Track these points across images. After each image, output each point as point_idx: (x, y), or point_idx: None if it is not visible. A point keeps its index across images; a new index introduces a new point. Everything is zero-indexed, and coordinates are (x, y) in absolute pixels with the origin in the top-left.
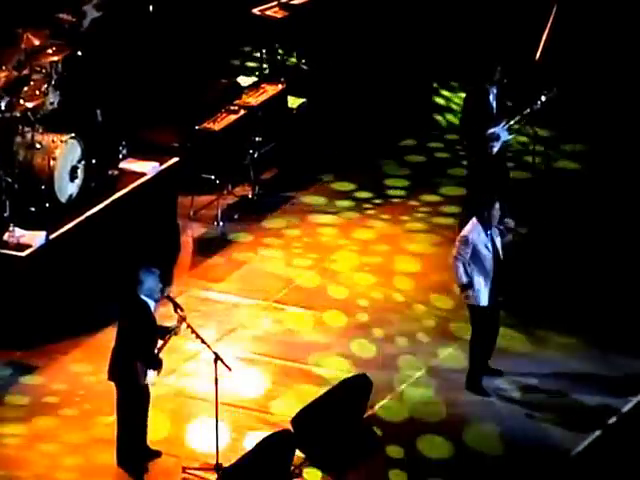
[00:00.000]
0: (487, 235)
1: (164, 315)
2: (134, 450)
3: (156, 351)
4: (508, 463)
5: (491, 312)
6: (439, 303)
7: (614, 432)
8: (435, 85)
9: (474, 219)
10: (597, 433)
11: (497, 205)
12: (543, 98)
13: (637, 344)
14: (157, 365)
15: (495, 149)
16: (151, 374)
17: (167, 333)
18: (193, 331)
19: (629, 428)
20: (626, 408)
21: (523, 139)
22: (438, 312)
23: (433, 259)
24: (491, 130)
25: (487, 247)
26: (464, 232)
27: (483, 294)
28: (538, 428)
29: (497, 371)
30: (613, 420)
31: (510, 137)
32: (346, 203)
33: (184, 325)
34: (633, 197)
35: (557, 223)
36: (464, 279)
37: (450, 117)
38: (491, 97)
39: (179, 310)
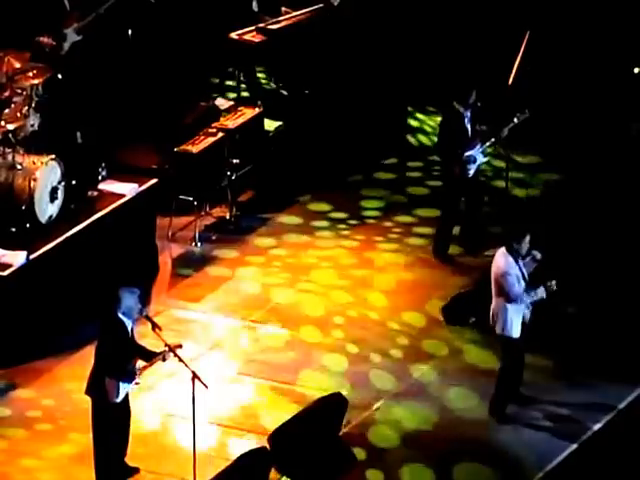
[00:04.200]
0: (519, 266)
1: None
2: (110, 467)
3: (134, 368)
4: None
5: (523, 344)
6: (412, 321)
7: (588, 447)
8: (410, 109)
9: (503, 251)
10: (573, 447)
11: (527, 238)
12: (516, 120)
13: (610, 366)
14: (129, 378)
15: (471, 172)
16: (124, 391)
17: (153, 357)
18: (180, 360)
19: (602, 444)
20: (598, 426)
21: (498, 163)
22: (411, 330)
23: (406, 279)
24: (467, 153)
25: (519, 279)
26: (501, 269)
27: (516, 326)
28: (513, 445)
29: (528, 398)
30: (587, 435)
31: (485, 159)
32: (322, 223)
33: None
34: (606, 220)
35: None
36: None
37: (424, 139)
38: (466, 120)
39: (157, 329)
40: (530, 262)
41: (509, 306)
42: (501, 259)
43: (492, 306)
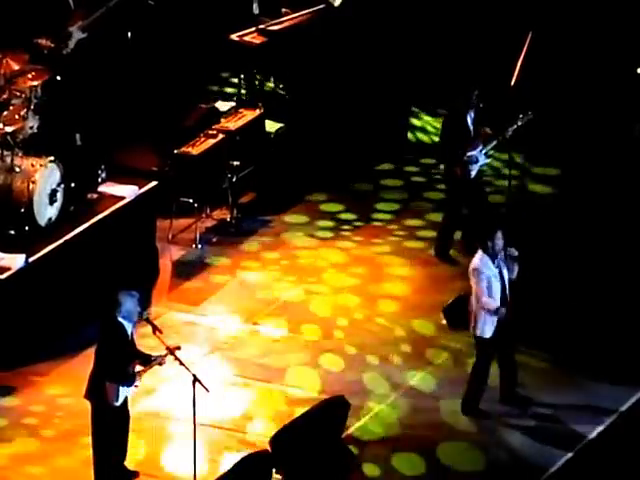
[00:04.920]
0: (495, 266)
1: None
2: (110, 470)
3: (132, 372)
4: None
5: (496, 344)
6: (419, 327)
7: (585, 454)
8: (415, 109)
9: (480, 251)
10: (569, 455)
11: (499, 234)
12: (519, 122)
13: (610, 369)
14: (129, 382)
15: (473, 173)
16: (123, 395)
17: (151, 361)
18: (181, 363)
19: (600, 449)
20: (596, 432)
21: (497, 164)
22: (416, 336)
23: (411, 282)
24: (469, 154)
25: (496, 277)
26: (473, 264)
27: (489, 327)
28: (511, 451)
29: (525, 399)
30: (584, 442)
31: (487, 161)
32: (325, 225)
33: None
34: (607, 221)
35: (532, 247)
36: (493, 303)
37: (424, 137)
38: (469, 121)
39: (158, 332)
40: (510, 261)
41: (481, 305)
42: (476, 258)
43: (470, 307)
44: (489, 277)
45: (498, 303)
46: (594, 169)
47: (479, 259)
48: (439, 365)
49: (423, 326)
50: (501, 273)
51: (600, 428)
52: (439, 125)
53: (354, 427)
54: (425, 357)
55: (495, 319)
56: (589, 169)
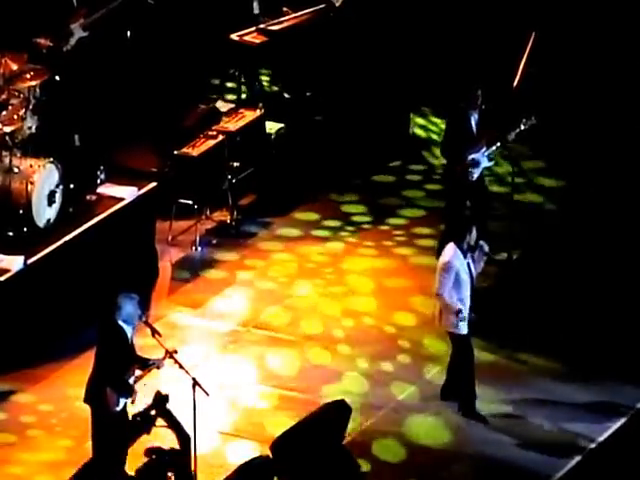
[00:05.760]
0: (465, 260)
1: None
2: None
3: (132, 380)
4: None
5: (468, 337)
6: (415, 327)
7: (594, 458)
8: (411, 114)
9: (452, 244)
10: (577, 459)
11: (474, 230)
12: (522, 127)
13: (619, 368)
14: (127, 393)
15: (475, 175)
16: (123, 401)
17: (149, 365)
18: (181, 366)
19: (609, 454)
20: (606, 435)
21: (500, 170)
22: (413, 335)
23: (413, 280)
24: (471, 156)
25: (466, 272)
26: (446, 258)
27: (463, 323)
28: (519, 453)
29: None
30: (593, 446)
31: (490, 164)
32: (324, 229)
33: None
34: (614, 221)
35: (540, 248)
36: (458, 305)
37: (427, 141)
38: (472, 122)
39: (157, 335)
40: (480, 256)
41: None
42: (449, 251)
43: (436, 303)
44: (458, 271)
45: (464, 301)
46: (599, 171)
47: (452, 252)
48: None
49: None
50: (469, 268)
51: (611, 430)
52: (437, 127)
53: (359, 432)
54: (434, 354)
55: (467, 314)
56: (594, 171)
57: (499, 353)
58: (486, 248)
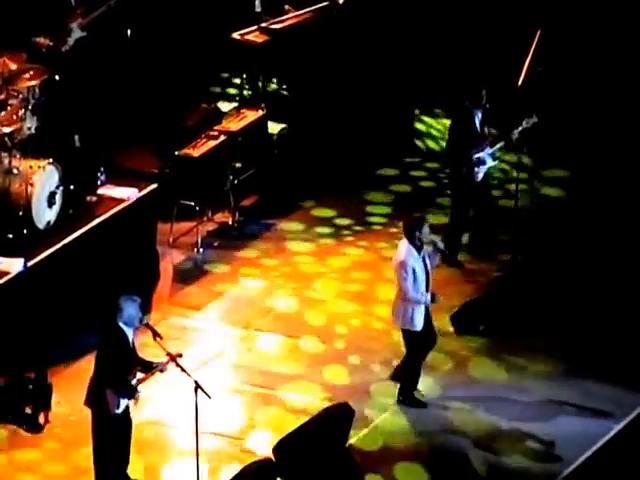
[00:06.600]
0: (420, 257)
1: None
2: (111, 478)
3: (134, 382)
4: None
5: (425, 335)
6: None
7: (596, 459)
8: (417, 112)
9: (405, 242)
10: (577, 462)
11: (427, 225)
12: (525, 125)
13: (615, 371)
14: (129, 394)
15: (480, 175)
16: (124, 403)
17: (152, 368)
18: (183, 370)
19: (612, 456)
20: (608, 437)
21: (505, 167)
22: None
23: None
24: (476, 155)
25: (421, 268)
26: (401, 257)
27: (418, 319)
28: (517, 457)
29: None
30: (595, 448)
31: (494, 163)
32: (326, 230)
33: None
34: (615, 224)
35: (537, 251)
36: (422, 298)
37: (429, 141)
38: (477, 120)
39: (158, 338)
40: (434, 253)
41: (408, 299)
42: (402, 249)
43: (394, 300)
44: (414, 268)
45: (424, 295)
46: (604, 170)
47: (405, 251)
48: (444, 372)
49: None
50: (425, 264)
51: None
52: (442, 127)
53: (358, 436)
54: (429, 364)
55: (423, 310)
56: (599, 170)
57: (494, 357)
58: (440, 245)
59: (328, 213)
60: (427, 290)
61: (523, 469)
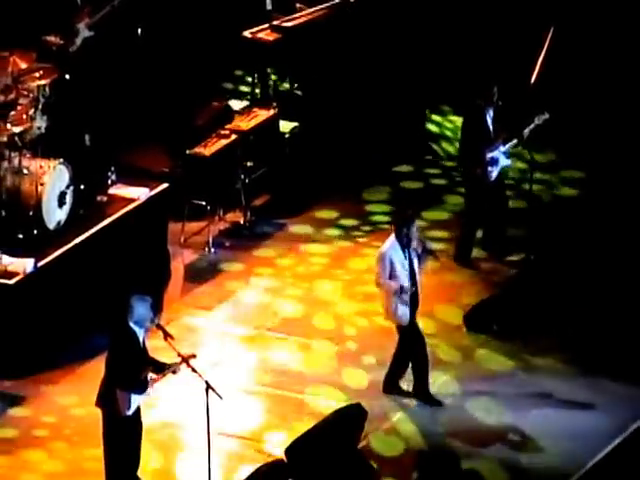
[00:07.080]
0: (404, 253)
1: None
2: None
3: (146, 379)
4: None
5: (412, 328)
6: (430, 329)
7: (607, 462)
8: (427, 111)
9: (392, 236)
10: (593, 461)
11: (415, 224)
12: (536, 122)
13: (630, 370)
14: (141, 389)
15: (494, 174)
16: (136, 402)
17: (165, 369)
18: (194, 370)
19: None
20: (619, 440)
21: (521, 166)
22: (430, 338)
23: (426, 285)
24: (489, 155)
25: (403, 265)
26: (382, 249)
27: (404, 312)
28: (531, 457)
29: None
30: (607, 450)
31: (509, 162)
32: (336, 231)
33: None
34: (628, 224)
35: (549, 250)
36: (394, 284)
37: (444, 143)
38: (488, 118)
39: (169, 338)
40: (423, 253)
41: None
42: (386, 242)
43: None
44: (394, 262)
45: (402, 283)
46: (619, 170)
47: (389, 244)
48: (458, 370)
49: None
50: (411, 263)
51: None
52: (453, 126)
53: (372, 436)
54: (442, 360)
55: (406, 304)
56: (614, 170)
57: (506, 353)
58: (429, 246)
59: (337, 214)
60: (410, 289)
61: (537, 469)
